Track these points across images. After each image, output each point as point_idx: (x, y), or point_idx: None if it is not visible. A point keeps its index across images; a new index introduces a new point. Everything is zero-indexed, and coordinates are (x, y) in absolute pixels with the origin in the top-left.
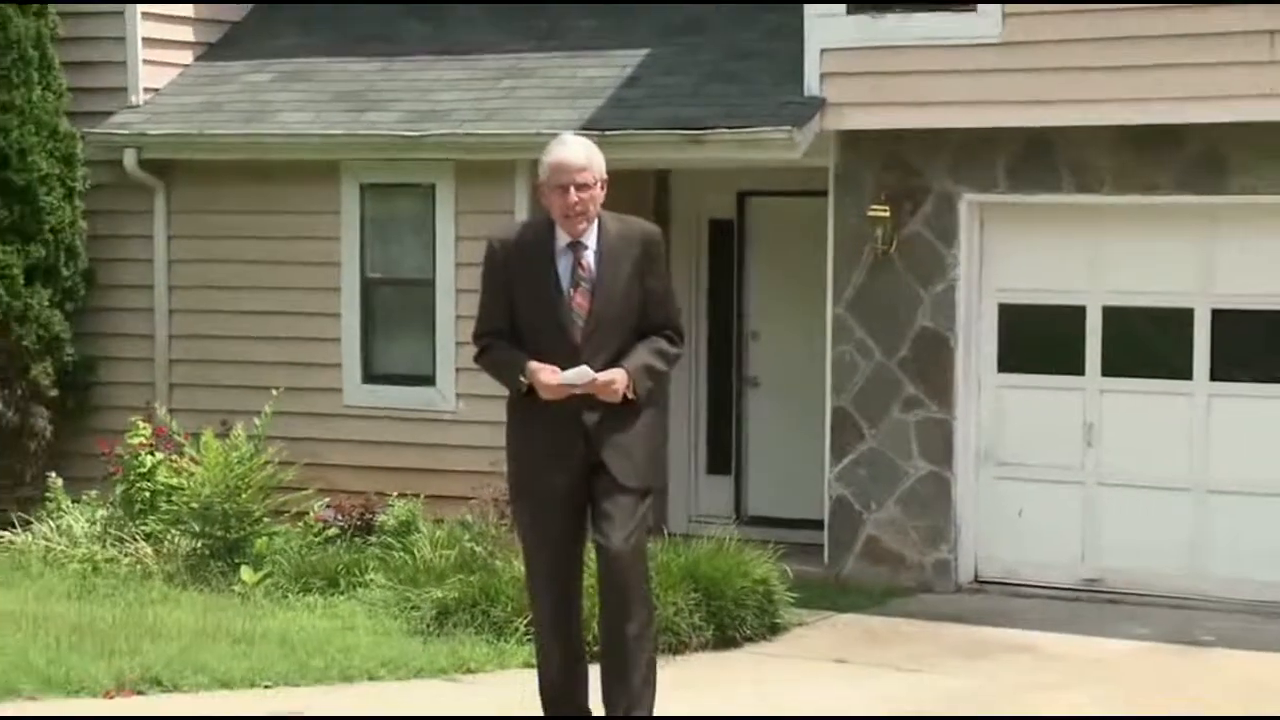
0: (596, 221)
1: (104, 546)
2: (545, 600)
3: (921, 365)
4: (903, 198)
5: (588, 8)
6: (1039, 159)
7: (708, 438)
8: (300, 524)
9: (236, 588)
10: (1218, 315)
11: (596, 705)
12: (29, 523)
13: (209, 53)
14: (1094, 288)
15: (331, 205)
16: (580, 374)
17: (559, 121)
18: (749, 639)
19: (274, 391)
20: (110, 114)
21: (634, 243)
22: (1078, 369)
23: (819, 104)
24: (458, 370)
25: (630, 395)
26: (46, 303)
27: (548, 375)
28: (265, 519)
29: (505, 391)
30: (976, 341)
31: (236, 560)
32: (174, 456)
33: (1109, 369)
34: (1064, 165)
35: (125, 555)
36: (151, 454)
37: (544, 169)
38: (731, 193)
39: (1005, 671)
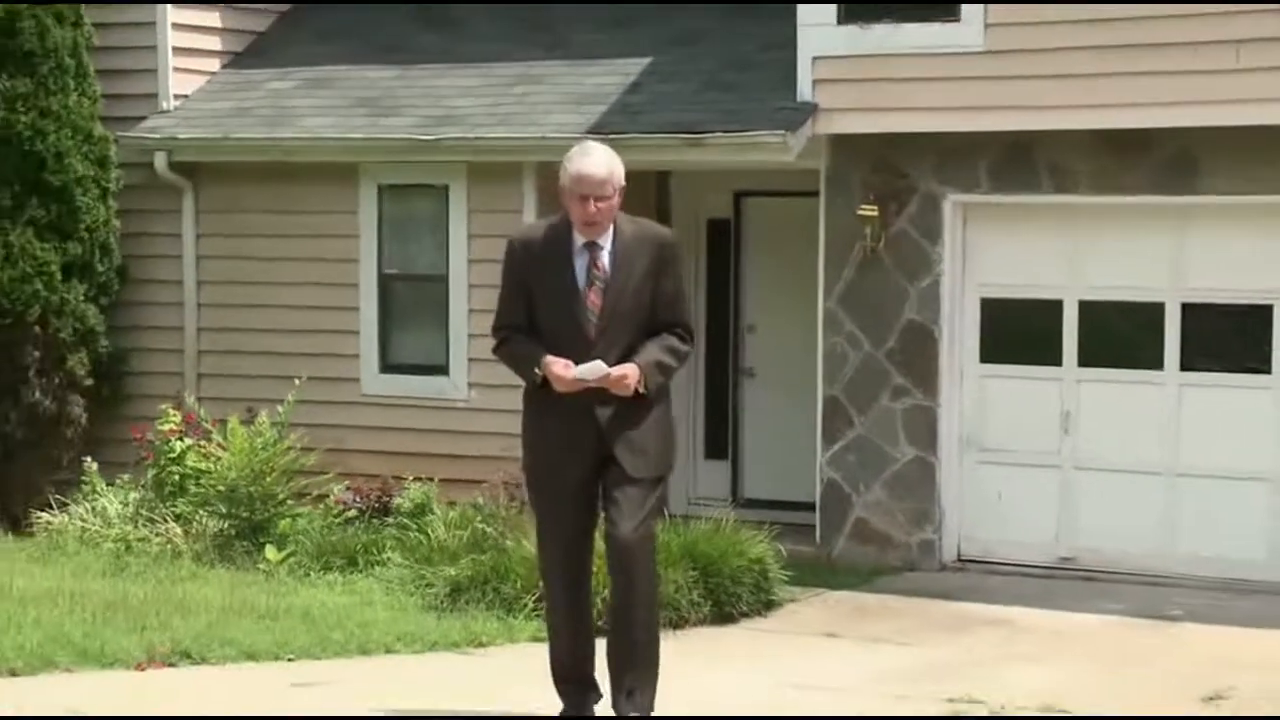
0: (612, 223)
1: (136, 527)
2: (557, 586)
3: (908, 356)
4: (890, 198)
5: (593, 20)
6: (1019, 161)
7: (706, 425)
8: (321, 506)
9: (261, 566)
10: (1188, 309)
11: (602, 674)
12: (66, 505)
13: (235, 61)
14: (1071, 283)
15: (351, 205)
16: (594, 369)
17: (566, 125)
18: (745, 615)
19: (296, 381)
20: (142, 119)
21: (648, 245)
22: (1055, 360)
23: (811, 109)
24: (470, 361)
25: (641, 390)
26: (82, 297)
27: (560, 368)
28: (288, 501)
29: (515, 381)
30: (960, 334)
31: (261, 540)
32: (202, 442)
33: (1085, 360)
34: (1043, 167)
35: (156, 535)
36: (181, 440)
37: (566, 176)
38: (728, 193)
39: (985, 644)
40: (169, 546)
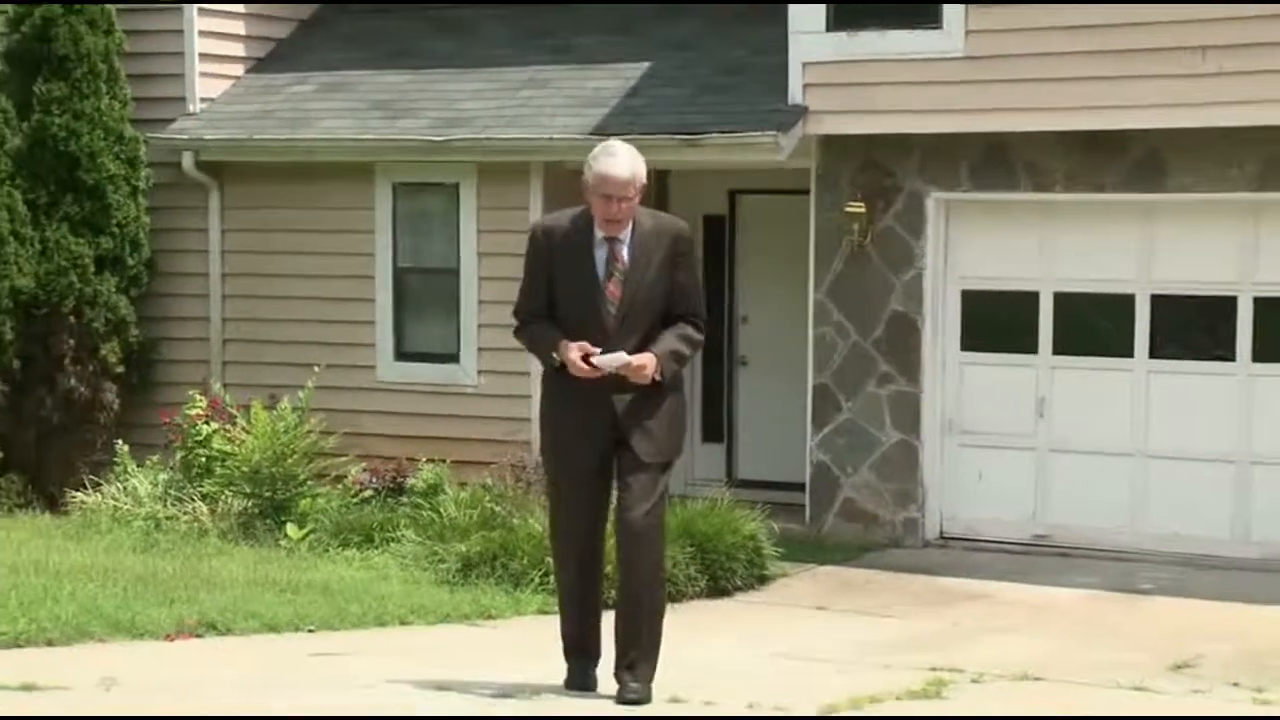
0: (632, 217)
1: (165, 506)
2: (569, 567)
3: (893, 345)
4: (876, 195)
5: (596, 26)
6: (998, 161)
7: (702, 410)
8: (339, 486)
9: (283, 543)
10: (1156, 300)
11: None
12: (99, 485)
13: (258, 66)
14: (1046, 275)
15: (367, 202)
16: (615, 358)
17: (571, 127)
18: (739, 588)
19: (316, 368)
20: (170, 120)
21: (665, 238)
22: (1031, 348)
23: (801, 112)
24: (479, 349)
25: (658, 379)
26: (114, 289)
27: (574, 354)
28: (308, 482)
29: (522, 369)
30: (942, 324)
31: (283, 518)
32: (227, 426)
33: (1059, 348)
34: (1020, 167)
35: (184, 514)
36: (207, 424)
37: (591, 174)
38: (723, 191)
39: (966, 617)
40: (196, 524)
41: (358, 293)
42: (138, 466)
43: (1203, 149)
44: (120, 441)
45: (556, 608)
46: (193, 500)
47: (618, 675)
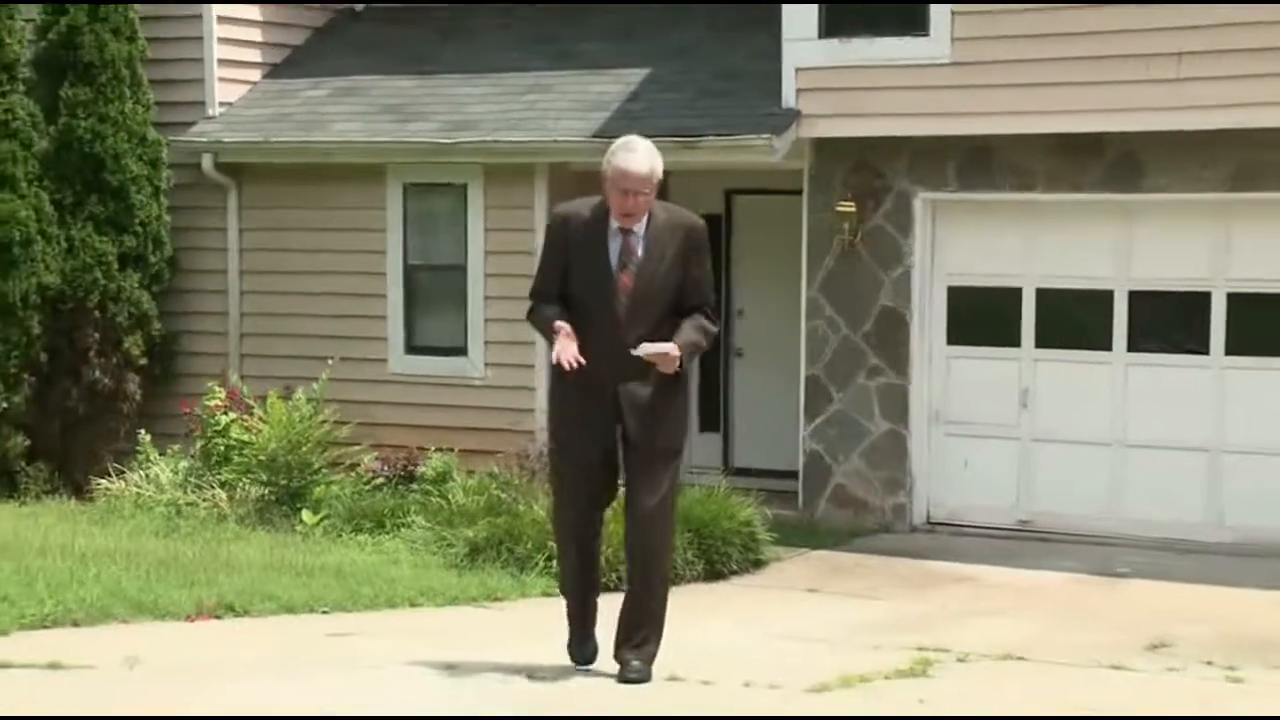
0: (647, 210)
1: (185, 493)
2: (570, 552)
3: (882, 339)
4: (867, 196)
5: (598, 34)
6: (983, 163)
7: (700, 401)
8: (352, 474)
9: (298, 528)
10: (1134, 296)
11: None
12: (122, 472)
13: (274, 72)
14: (1029, 272)
15: (378, 202)
16: (654, 348)
17: (574, 130)
18: (735, 572)
19: (329, 361)
20: (190, 124)
21: (679, 231)
22: (1014, 342)
23: (795, 115)
24: (486, 343)
25: (678, 369)
26: (136, 285)
27: (563, 341)
28: (322, 470)
29: (527, 361)
30: (929, 319)
31: (298, 505)
32: (245, 416)
33: (1041, 342)
34: (1004, 168)
35: (203, 500)
36: (226, 414)
37: (610, 169)
38: (720, 191)
39: (952, 599)
40: (215, 510)
41: (370, 289)
42: (159, 455)
43: (1177, 151)
44: (142, 431)
45: (559, 591)
46: (212, 487)
47: (619, 655)
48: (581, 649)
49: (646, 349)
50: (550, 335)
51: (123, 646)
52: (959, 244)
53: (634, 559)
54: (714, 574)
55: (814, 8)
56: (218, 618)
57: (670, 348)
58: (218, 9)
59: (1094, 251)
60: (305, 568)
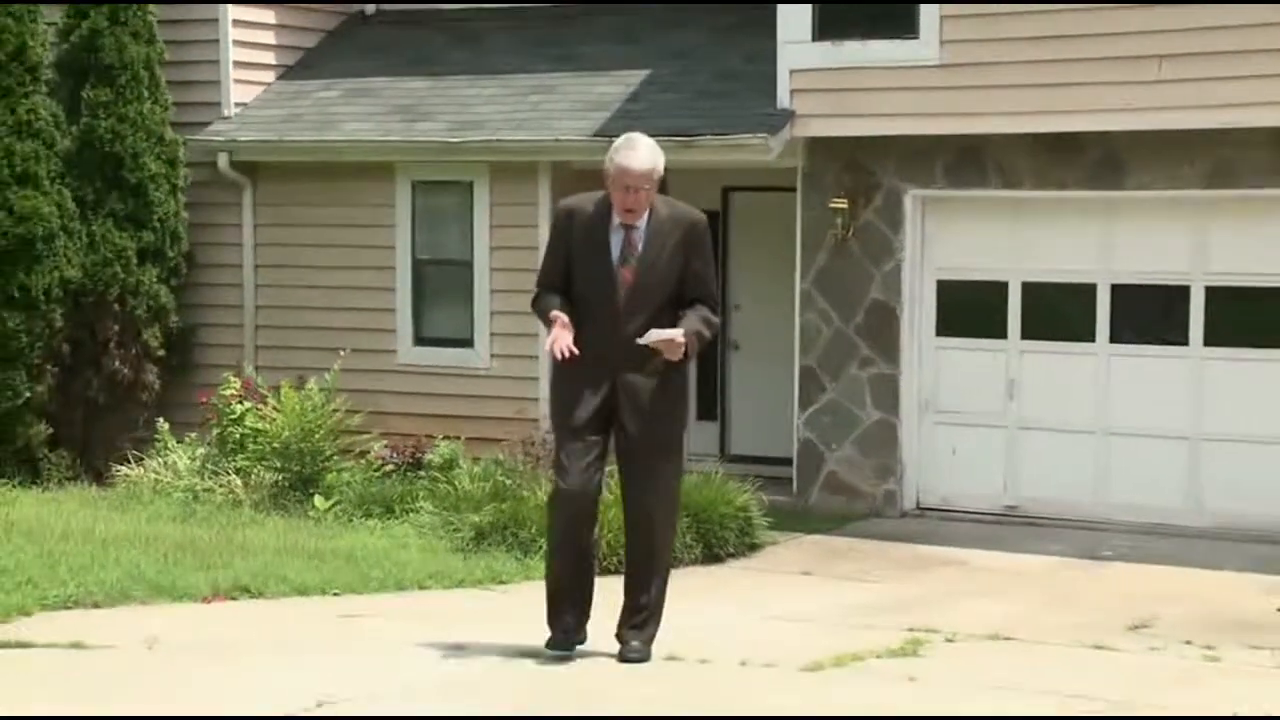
0: (648, 206)
1: (202, 479)
2: (559, 521)
3: (873, 331)
4: (859, 193)
5: (600, 37)
6: (970, 161)
7: (698, 390)
8: (362, 461)
9: (310, 513)
10: (1116, 289)
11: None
12: (141, 460)
13: (288, 73)
14: (1015, 267)
15: (388, 199)
16: (661, 333)
17: (576, 129)
18: (731, 555)
19: (341, 352)
20: (207, 124)
21: (680, 226)
22: (1001, 334)
23: (789, 116)
24: (491, 335)
25: (682, 356)
26: (155, 279)
27: (557, 330)
28: (334, 457)
29: (530, 353)
30: (919, 311)
31: (310, 491)
32: (259, 405)
33: (1027, 333)
34: (991, 166)
35: (219, 486)
36: (241, 403)
37: (612, 165)
38: (717, 188)
39: (941, 581)
40: (230, 496)
41: (379, 282)
42: (177, 442)
43: (1158, 150)
44: (161, 419)
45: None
46: (227, 474)
47: (620, 635)
48: (564, 641)
49: (653, 335)
50: (548, 324)
51: (142, 627)
52: (948, 239)
53: (636, 548)
54: (712, 557)
55: (808, 11)
56: (233, 599)
57: (676, 334)
58: (233, 13)
59: (1078, 247)
60: (317, 551)
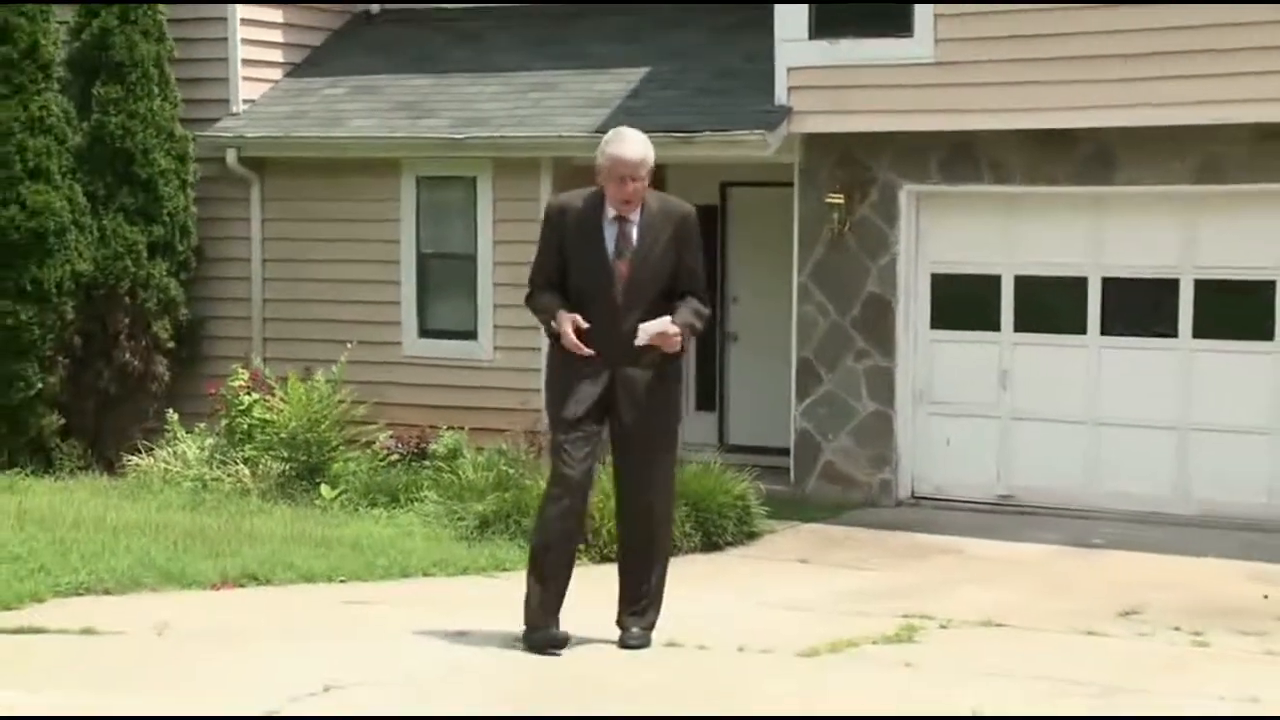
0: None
1: (211, 469)
2: (555, 537)
3: (869, 323)
4: (854, 188)
5: (601, 35)
6: (964, 157)
7: (696, 381)
8: (368, 451)
9: (317, 502)
10: (1107, 283)
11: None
12: (151, 449)
13: (295, 71)
14: (1008, 260)
15: (393, 194)
16: (656, 324)
17: (577, 126)
18: (730, 543)
19: (347, 344)
20: (215, 120)
21: (671, 220)
22: (994, 326)
23: (786, 112)
24: (495, 327)
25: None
26: (165, 273)
27: (568, 327)
28: (340, 447)
29: (533, 345)
30: (913, 304)
31: (317, 480)
32: (267, 396)
33: (1019, 326)
34: (984, 162)
35: (228, 476)
36: (249, 394)
37: (605, 158)
38: (716, 183)
39: (937, 570)
40: (238, 485)
41: (385, 276)
42: (186, 433)
43: (1148, 146)
44: (170, 410)
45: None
46: (236, 463)
47: (621, 621)
48: (550, 633)
49: (646, 329)
50: (550, 321)
51: (152, 613)
52: (942, 234)
53: (635, 537)
54: (710, 545)
55: (804, 10)
56: (241, 586)
57: (669, 325)
58: (242, 12)
59: (1069, 240)
60: (324, 539)
